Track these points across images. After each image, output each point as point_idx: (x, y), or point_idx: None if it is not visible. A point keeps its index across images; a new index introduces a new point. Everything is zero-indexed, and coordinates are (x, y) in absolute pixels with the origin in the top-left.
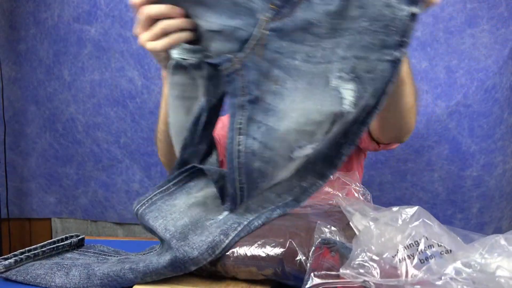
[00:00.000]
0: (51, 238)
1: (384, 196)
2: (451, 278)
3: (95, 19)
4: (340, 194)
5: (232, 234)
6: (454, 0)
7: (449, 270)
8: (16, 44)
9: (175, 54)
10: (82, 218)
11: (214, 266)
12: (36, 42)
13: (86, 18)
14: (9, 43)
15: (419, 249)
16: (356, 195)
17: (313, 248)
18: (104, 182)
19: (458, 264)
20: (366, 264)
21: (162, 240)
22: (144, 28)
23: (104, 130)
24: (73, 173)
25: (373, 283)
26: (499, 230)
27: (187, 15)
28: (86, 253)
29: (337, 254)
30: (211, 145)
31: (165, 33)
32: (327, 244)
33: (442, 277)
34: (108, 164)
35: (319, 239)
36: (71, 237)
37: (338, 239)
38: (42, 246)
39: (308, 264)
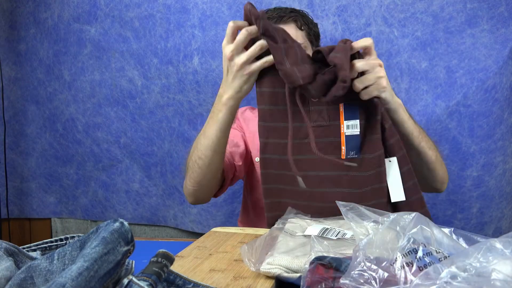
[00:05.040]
0: (51, 238)
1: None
2: (446, 282)
3: (95, 19)
4: None
5: None
6: (454, 0)
7: (445, 274)
8: (16, 44)
9: None
10: (82, 218)
11: None
12: (36, 42)
13: (86, 18)
14: (9, 43)
15: (418, 256)
16: None
17: (307, 265)
18: (104, 182)
19: (453, 268)
20: (365, 273)
21: None
22: (240, 49)
23: (104, 130)
24: (73, 173)
25: None
26: (499, 230)
27: None
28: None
29: (331, 269)
30: None
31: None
32: (320, 260)
33: (438, 281)
34: (108, 164)
35: (313, 257)
36: (72, 237)
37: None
38: (36, 246)
39: (302, 282)
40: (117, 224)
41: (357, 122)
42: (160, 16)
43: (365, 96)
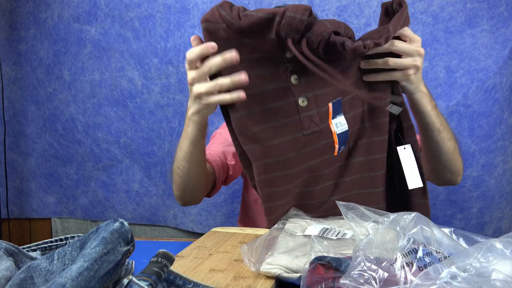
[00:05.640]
0: (51, 238)
1: None
2: (446, 282)
3: (95, 19)
4: None
5: None
6: (454, 0)
7: (445, 274)
8: (16, 44)
9: None
10: (82, 218)
11: None
12: (36, 42)
13: (86, 18)
14: (9, 43)
15: (418, 256)
16: None
17: (307, 265)
18: (104, 182)
19: (453, 268)
20: (365, 273)
21: None
22: (203, 78)
23: (104, 130)
24: (73, 173)
25: None
26: (499, 230)
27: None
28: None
29: (331, 269)
30: None
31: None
32: (320, 260)
33: (438, 282)
34: (108, 164)
35: (313, 257)
36: (72, 237)
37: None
38: (36, 245)
39: (302, 282)
40: (117, 224)
41: (342, 117)
42: (160, 16)
43: (386, 76)
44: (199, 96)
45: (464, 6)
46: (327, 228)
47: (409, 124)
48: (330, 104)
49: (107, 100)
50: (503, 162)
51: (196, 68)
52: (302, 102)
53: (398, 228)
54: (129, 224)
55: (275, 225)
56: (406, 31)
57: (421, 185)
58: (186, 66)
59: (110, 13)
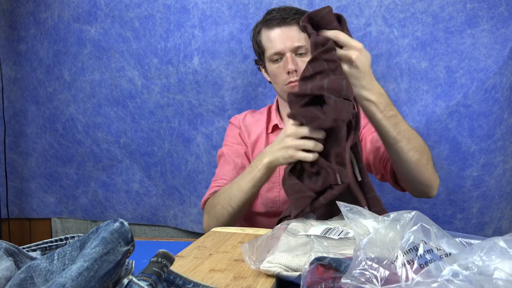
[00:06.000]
0: (51, 238)
1: (384, 196)
2: (447, 280)
3: (95, 19)
4: None
5: None
6: (454, 0)
7: (446, 272)
8: (16, 44)
9: None
10: (82, 218)
11: None
12: (36, 42)
13: (86, 18)
14: (9, 43)
15: (419, 254)
16: None
17: (307, 266)
18: (104, 182)
19: (455, 267)
20: (366, 272)
21: None
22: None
23: (104, 130)
24: (73, 173)
25: None
26: (499, 230)
27: None
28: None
29: (331, 269)
30: None
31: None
32: (320, 261)
33: (439, 279)
34: (108, 164)
35: (313, 257)
36: (72, 237)
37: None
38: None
39: (302, 282)
40: (117, 224)
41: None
42: (160, 16)
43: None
44: (289, 147)
45: (464, 6)
46: (330, 228)
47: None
48: None
49: (107, 100)
50: (503, 162)
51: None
52: None
53: (398, 226)
54: (129, 224)
55: (278, 225)
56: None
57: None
58: (290, 128)
59: (110, 13)
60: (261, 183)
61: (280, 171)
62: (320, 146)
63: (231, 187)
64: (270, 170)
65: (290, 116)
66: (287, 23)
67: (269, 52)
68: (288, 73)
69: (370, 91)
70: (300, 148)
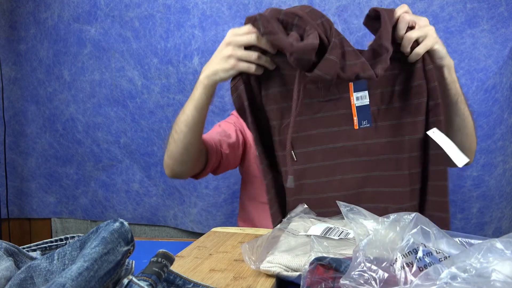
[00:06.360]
0: (51, 238)
1: None
2: (446, 283)
3: (95, 19)
4: None
5: None
6: (454, 0)
7: (445, 275)
8: (16, 44)
9: None
10: (82, 218)
11: None
12: (36, 42)
13: (86, 18)
14: (9, 43)
15: (418, 257)
16: None
17: (307, 266)
18: (104, 182)
19: (453, 269)
20: (365, 274)
21: None
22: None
23: (104, 130)
24: (73, 173)
25: None
26: (499, 230)
27: None
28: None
29: (331, 269)
30: None
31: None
32: (320, 261)
33: (438, 282)
34: (108, 164)
35: (313, 257)
36: (72, 237)
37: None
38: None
39: (302, 282)
40: (117, 224)
41: (366, 93)
42: (160, 16)
43: (419, 50)
44: (229, 57)
45: (464, 6)
46: (330, 228)
47: (436, 102)
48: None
49: (107, 100)
50: (503, 162)
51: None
52: None
53: (398, 228)
54: (129, 224)
55: (278, 225)
56: (401, 23)
57: (467, 160)
58: (229, 34)
59: (110, 13)
60: (201, 104)
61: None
62: (264, 59)
63: (179, 114)
64: (209, 87)
65: (250, 20)
66: None
67: None
68: None
69: (444, 57)
70: (242, 59)
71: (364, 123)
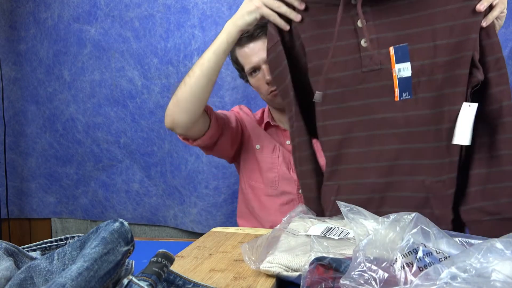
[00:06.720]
0: (51, 238)
1: None
2: (446, 283)
3: (95, 19)
4: None
5: None
6: None
7: (445, 275)
8: (16, 44)
9: None
10: (82, 218)
11: None
12: (36, 42)
13: (86, 18)
14: (9, 43)
15: (418, 257)
16: None
17: (307, 266)
18: (104, 182)
19: (453, 269)
20: (365, 274)
21: None
22: None
23: (104, 130)
24: (73, 173)
25: None
26: None
27: None
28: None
29: (331, 269)
30: None
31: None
32: (320, 261)
33: (438, 282)
34: (108, 164)
35: (313, 257)
36: (72, 237)
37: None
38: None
39: (302, 282)
40: (117, 224)
41: (408, 64)
42: (160, 16)
43: (494, 14)
44: (261, 4)
45: None
46: (330, 228)
47: (498, 56)
48: (391, 48)
49: (107, 100)
50: None
51: None
52: (364, 43)
53: (398, 228)
54: (129, 224)
55: (278, 226)
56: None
57: (467, 143)
58: None
59: (110, 13)
60: (221, 48)
61: (279, 153)
62: (284, 9)
63: (194, 64)
64: (233, 33)
65: None
66: (255, 38)
67: (246, 67)
68: (268, 84)
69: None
70: (267, 5)
71: (405, 94)
